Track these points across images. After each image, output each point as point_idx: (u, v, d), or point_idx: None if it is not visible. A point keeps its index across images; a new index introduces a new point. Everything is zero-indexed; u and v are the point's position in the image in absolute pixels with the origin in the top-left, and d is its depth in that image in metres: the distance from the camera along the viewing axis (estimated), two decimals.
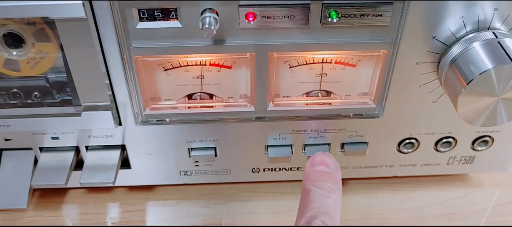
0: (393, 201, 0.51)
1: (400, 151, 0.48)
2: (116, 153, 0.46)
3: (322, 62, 0.42)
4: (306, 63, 0.43)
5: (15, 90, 0.44)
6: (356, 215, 0.50)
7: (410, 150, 0.48)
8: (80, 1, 0.35)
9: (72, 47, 0.38)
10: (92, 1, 0.36)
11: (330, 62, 0.42)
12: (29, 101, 0.45)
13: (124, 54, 0.39)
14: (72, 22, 0.37)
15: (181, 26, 0.38)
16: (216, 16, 0.37)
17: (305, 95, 0.45)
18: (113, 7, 0.36)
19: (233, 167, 0.49)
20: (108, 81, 0.41)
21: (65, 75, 0.44)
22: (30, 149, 0.47)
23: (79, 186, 0.47)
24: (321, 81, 0.44)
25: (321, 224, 0.36)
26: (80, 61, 0.39)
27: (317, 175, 0.40)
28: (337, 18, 0.38)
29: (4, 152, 0.47)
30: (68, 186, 0.45)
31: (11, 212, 0.51)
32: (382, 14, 0.38)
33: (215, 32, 0.36)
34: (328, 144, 0.47)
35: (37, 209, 0.51)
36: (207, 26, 0.36)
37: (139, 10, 0.37)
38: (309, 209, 0.37)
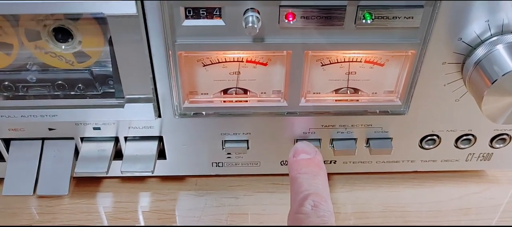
0: (413, 195, 0.54)
1: (421, 147, 0.51)
2: (154, 144, 0.48)
3: (352, 61, 0.45)
4: (337, 62, 0.45)
5: (60, 82, 0.47)
6: (378, 208, 0.53)
7: (431, 146, 0.51)
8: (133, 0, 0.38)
9: (121, 42, 0.41)
10: (143, 1, 0.39)
11: (360, 61, 0.45)
12: (72, 93, 0.47)
13: (169, 49, 0.42)
14: (123, 18, 0.39)
15: (224, 24, 0.40)
16: (258, 15, 0.39)
17: (334, 92, 0.47)
18: (162, 5, 0.39)
19: (263, 159, 0.51)
20: (151, 75, 0.43)
21: (108, 68, 0.46)
22: (71, 138, 0.49)
23: (113, 175, 0.50)
24: (348, 79, 0.47)
25: (312, 203, 0.39)
26: (127, 56, 0.42)
27: (300, 163, 0.44)
28: (371, 20, 0.40)
29: (45, 141, 0.50)
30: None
31: (49, 199, 0.53)
32: (413, 17, 0.40)
33: (258, 30, 0.39)
34: (355, 139, 0.49)
35: (73, 197, 0.53)
36: (250, 24, 0.39)
37: (185, 9, 0.40)
38: (299, 193, 0.41)
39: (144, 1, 0.38)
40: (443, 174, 0.55)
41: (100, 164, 0.47)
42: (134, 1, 0.38)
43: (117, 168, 0.49)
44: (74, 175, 0.47)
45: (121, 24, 0.40)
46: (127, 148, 0.48)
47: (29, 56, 0.45)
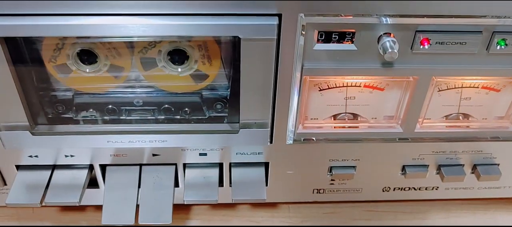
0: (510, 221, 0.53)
1: None
2: (261, 170, 0.47)
3: (470, 87, 0.44)
4: (455, 87, 0.44)
5: (166, 105, 0.45)
6: None
7: None
8: (275, 23, 0.37)
9: (250, 65, 0.39)
10: (282, 19, 0.37)
11: (477, 87, 0.45)
12: (177, 117, 0.46)
13: (296, 73, 0.40)
14: (257, 41, 0.38)
15: (356, 48, 0.40)
16: (394, 39, 0.39)
17: (445, 117, 0.47)
18: (299, 28, 0.38)
19: (365, 185, 0.50)
20: (272, 100, 0.42)
21: (218, 92, 0.45)
22: (172, 164, 0.47)
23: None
24: (459, 105, 0.46)
25: None
26: (252, 79, 0.40)
27: None
28: (505, 46, 0.40)
29: (143, 167, 0.48)
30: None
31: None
32: None
33: (397, 55, 0.38)
34: (462, 165, 0.49)
35: None
36: (390, 50, 0.38)
37: (318, 32, 0.39)
38: None
39: (282, 24, 0.37)
40: None
41: (210, 191, 0.45)
42: (275, 25, 0.37)
43: None
44: (185, 203, 0.45)
45: (254, 48, 0.38)
46: (234, 174, 0.46)
47: (136, 79, 0.44)
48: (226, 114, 0.45)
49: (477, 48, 0.40)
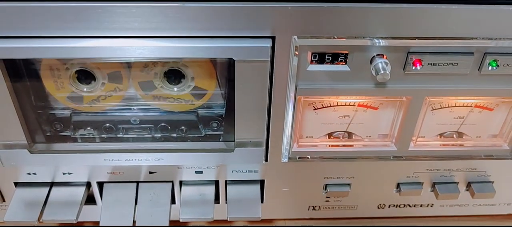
0: None
1: None
2: (256, 188, 0.47)
3: (462, 106, 0.45)
4: (448, 106, 0.45)
5: (163, 124, 0.46)
6: None
7: None
8: (268, 45, 0.37)
9: (244, 86, 0.40)
10: (276, 41, 0.38)
11: (470, 106, 0.45)
12: (174, 135, 0.46)
13: (291, 93, 0.41)
14: (252, 63, 0.39)
15: (349, 69, 0.40)
16: (386, 61, 0.39)
17: (439, 136, 0.47)
18: (293, 50, 0.38)
19: (360, 202, 0.51)
20: (266, 119, 0.43)
21: (214, 110, 0.45)
22: (168, 181, 0.48)
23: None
24: (453, 124, 0.47)
25: None
26: (247, 99, 0.41)
27: None
28: (496, 67, 0.40)
29: (140, 184, 0.48)
30: None
31: None
32: None
33: (389, 77, 0.39)
34: (456, 183, 0.49)
35: None
36: (382, 72, 0.39)
37: (312, 54, 0.40)
38: None
39: (275, 46, 0.38)
40: None
41: (206, 209, 0.45)
42: (268, 46, 0.37)
43: None
44: (181, 221, 0.46)
45: (249, 69, 0.39)
46: (230, 192, 0.47)
47: (133, 98, 0.45)
48: (222, 132, 0.46)
49: (469, 69, 0.40)
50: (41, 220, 0.45)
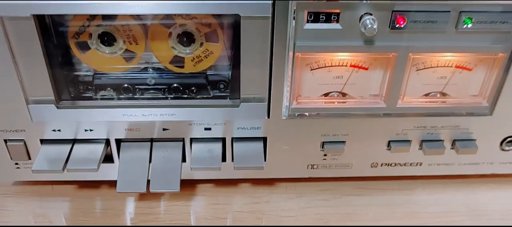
0: (492, 197, 0.58)
1: (502, 149, 0.55)
2: (259, 145, 0.52)
3: (444, 66, 0.50)
4: (431, 67, 0.50)
5: (175, 85, 0.51)
6: (461, 208, 0.56)
7: (511, 148, 0.55)
8: (270, 1, 0.43)
9: (249, 43, 0.45)
10: (276, 2, 0.43)
11: (451, 66, 0.50)
12: (185, 95, 0.51)
13: (290, 51, 0.46)
14: (255, 20, 0.44)
15: (341, 28, 0.45)
16: (374, 18, 0.45)
17: (425, 95, 0.52)
18: (291, 8, 0.44)
19: (355, 161, 0.55)
20: (269, 76, 0.48)
21: (221, 73, 0.51)
22: (180, 140, 0.53)
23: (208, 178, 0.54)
24: (437, 84, 0.52)
25: None
26: (251, 56, 0.46)
27: None
28: (471, 23, 0.46)
29: (154, 143, 0.53)
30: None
31: (148, 200, 0.56)
32: (507, 21, 0.46)
33: (376, 31, 0.44)
34: (442, 141, 0.54)
35: (172, 199, 0.56)
36: (369, 26, 0.44)
37: (308, 13, 0.45)
38: None
39: (276, 2, 0.43)
40: None
41: (213, 161, 0.50)
42: (270, 3, 0.43)
43: None
44: (191, 169, 0.50)
45: (253, 26, 0.44)
46: (236, 147, 0.52)
47: (147, 61, 0.50)
48: (228, 94, 0.51)
49: (446, 26, 0.46)
50: (65, 170, 0.49)
